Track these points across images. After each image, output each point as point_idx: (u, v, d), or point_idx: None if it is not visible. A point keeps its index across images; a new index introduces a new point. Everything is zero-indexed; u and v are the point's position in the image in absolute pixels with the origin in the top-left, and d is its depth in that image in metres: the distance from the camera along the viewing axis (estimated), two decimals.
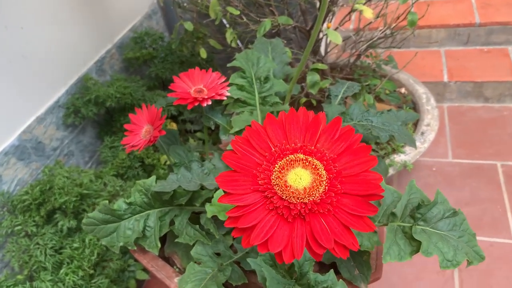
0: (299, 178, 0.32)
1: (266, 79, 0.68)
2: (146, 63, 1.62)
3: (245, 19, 0.97)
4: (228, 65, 0.70)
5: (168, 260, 0.65)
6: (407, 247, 0.46)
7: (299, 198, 0.32)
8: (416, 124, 1.34)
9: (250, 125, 0.66)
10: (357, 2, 0.96)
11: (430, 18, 1.85)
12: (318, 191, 0.32)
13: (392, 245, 0.47)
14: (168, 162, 1.41)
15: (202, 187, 0.56)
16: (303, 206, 0.31)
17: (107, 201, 0.56)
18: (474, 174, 1.48)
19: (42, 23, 1.24)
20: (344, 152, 0.34)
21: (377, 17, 1.10)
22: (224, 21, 1.30)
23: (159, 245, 0.57)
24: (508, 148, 1.54)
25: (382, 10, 1.17)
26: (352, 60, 1.34)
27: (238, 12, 0.92)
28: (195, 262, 0.55)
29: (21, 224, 1.02)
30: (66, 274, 0.95)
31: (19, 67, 1.17)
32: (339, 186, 0.32)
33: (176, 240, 0.57)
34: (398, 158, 1.22)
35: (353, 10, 1.17)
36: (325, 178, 0.32)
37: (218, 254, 0.57)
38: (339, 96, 0.76)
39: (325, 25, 1.23)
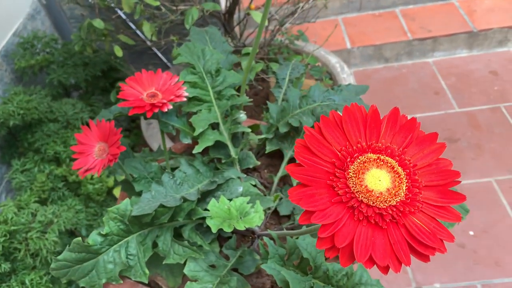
0: (378, 180, 0.30)
1: (217, 71, 0.64)
2: (43, 70, 1.44)
3: (163, 10, 0.90)
4: (174, 62, 0.65)
5: (150, 284, 0.59)
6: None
7: (386, 202, 0.30)
8: None
9: (211, 124, 0.63)
10: None
11: None
12: (402, 189, 0.30)
13: None
14: (94, 176, 1.29)
15: (184, 199, 0.52)
16: (394, 209, 0.30)
17: (79, 239, 0.48)
18: None
19: None
20: (410, 144, 0.33)
21: None
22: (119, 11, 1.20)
23: (147, 272, 0.51)
24: (413, 102, 1.70)
25: None
26: (268, 39, 1.33)
27: (158, 3, 0.85)
28: (192, 281, 0.50)
29: None
30: None
31: None
32: (419, 180, 0.31)
33: (164, 262, 0.52)
34: None
35: None
36: (404, 175, 0.31)
37: (212, 266, 0.54)
38: (287, 79, 0.75)
39: (239, 6, 1.21)
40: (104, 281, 0.50)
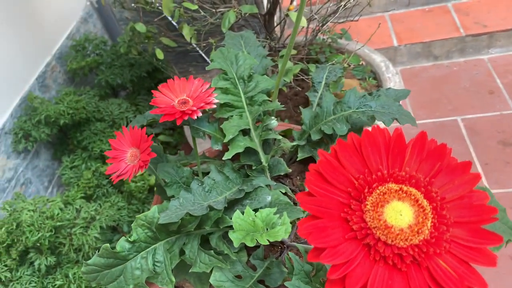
0: (399, 214, 0.26)
1: (250, 77, 0.63)
2: (93, 71, 1.50)
3: (202, 13, 0.91)
4: (207, 68, 0.65)
5: None
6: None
7: (408, 240, 0.26)
8: None
9: (243, 130, 0.62)
10: None
11: None
12: (426, 226, 0.27)
13: None
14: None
15: (210, 208, 0.52)
16: (416, 249, 0.26)
17: (108, 245, 0.50)
18: (438, 132, 1.53)
19: None
20: (439, 173, 0.29)
21: None
22: (170, 19, 1.22)
23: (173, 279, 0.52)
24: (465, 102, 1.60)
25: None
26: (309, 38, 1.31)
27: (196, 7, 0.86)
28: None
29: None
30: None
31: None
32: (447, 216, 0.27)
33: (191, 270, 0.52)
34: None
35: None
36: (429, 209, 0.27)
37: (238, 277, 0.53)
38: (323, 83, 0.73)
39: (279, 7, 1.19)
40: (131, 287, 0.51)
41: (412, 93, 1.75)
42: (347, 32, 1.52)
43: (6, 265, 0.93)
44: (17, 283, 0.91)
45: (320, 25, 1.23)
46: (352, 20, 1.24)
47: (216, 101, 0.57)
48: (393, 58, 1.85)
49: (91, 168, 1.24)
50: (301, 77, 1.14)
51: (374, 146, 0.29)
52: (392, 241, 0.26)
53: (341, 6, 1.12)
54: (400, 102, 0.64)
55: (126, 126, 1.41)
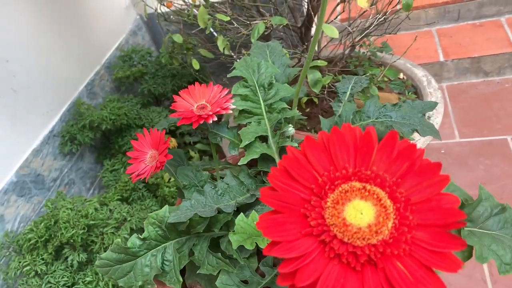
0: (360, 213, 0.26)
1: (270, 85, 0.64)
2: (137, 80, 1.57)
3: (235, 24, 0.93)
4: (229, 75, 0.66)
5: None
6: (458, 254, 0.42)
7: (365, 239, 0.25)
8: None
9: (261, 136, 0.63)
10: None
11: None
12: (387, 227, 0.26)
13: None
14: (171, 180, 1.36)
15: (219, 211, 0.52)
16: (372, 249, 0.25)
17: (119, 240, 0.52)
18: (485, 151, 1.45)
19: (27, 54, 1.20)
20: (408, 173, 0.28)
21: (372, 4, 1.06)
22: (212, 29, 1.27)
23: (181, 279, 0.53)
24: None
25: None
26: (347, 51, 1.30)
27: (228, 18, 0.89)
28: None
29: (29, 263, 0.98)
30: None
31: (10, 101, 1.13)
32: (410, 217, 0.26)
33: (198, 272, 0.53)
34: None
35: (342, 0, 1.13)
36: (392, 210, 0.26)
37: (245, 282, 0.53)
38: (348, 93, 0.72)
39: (316, 19, 1.20)
40: (140, 283, 0.52)
41: (458, 110, 1.69)
42: (388, 46, 1.49)
43: (43, 259, 0.99)
44: (51, 277, 0.96)
45: (357, 38, 1.22)
46: (390, 33, 1.22)
47: (233, 106, 0.58)
48: (439, 73, 1.79)
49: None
50: (332, 90, 1.14)
51: (343, 144, 0.28)
52: (348, 239, 0.25)
53: (378, 18, 1.10)
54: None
55: (165, 134, 1.45)
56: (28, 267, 0.98)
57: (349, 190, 0.27)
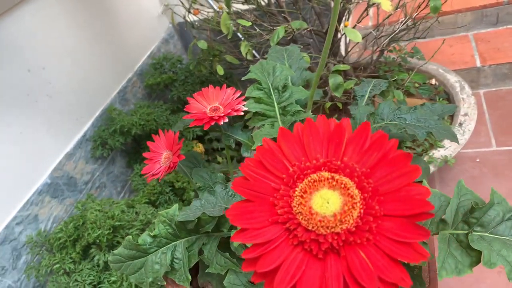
0: (326, 202, 0.26)
1: (284, 87, 0.64)
2: (168, 87, 1.61)
3: (258, 30, 0.94)
4: (243, 78, 0.67)
5: None
6: (465, 259, 0.40)
7: (329, 228, 0.25)
8: (452, 116, 1.26)
9: (273, 138, 0.63)
10: None
11: (454, 2, 1.77)
12: (352, 216, 0.26)
13: (447, 257, 0.41)
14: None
15: None
16: (335, 238, 0.25)
17: (130, 237, 0.53)
18: None
19: (62, 62, 1.26)
20: (378, 164, 0.28)
21: (396, 8, 1.04)
22: (239, 34, 1.28)
23: (190, 277, 0.53)
24: None
25: (401, 1, 1.12)
26: (375, 57, 1.28)
27: (250, 24, 0.90)
28: None
29: (59, 262, 1.02)
30: None
31: (45, 107, 1.18)
32: (377, 208, 0.26)
33: (207, 271, 0.53)
34: (438, 153, 1.14)
35: (370, 5, 1.12)
36: (359, 199, 0.26)
37: (253, 282, 0.53)
38: (366, 96, 0.71)
39: (342, 24, 1.19)
40: (150, 279, 0.53)
41: (495, 118, 1.62)
42: (419, 51, 1.45)
43: (71, 258, 1.02)
44: (78, 275, 0.99)
45: (385, 43, 1.20)
46: (418, 38, 1.19)
47: (244, 108, 0.59)
48: (476, 79, 1.72)
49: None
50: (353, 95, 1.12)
51: (316, 135, 0.28)
52: (312, 227, 0.25)
53: (404, 23, 1.08)
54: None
55: (192, 139, 1.47)
56: (57, 265, 1.02)
57: (318, 180, 0.26)
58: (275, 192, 0.27)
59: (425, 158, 1.13)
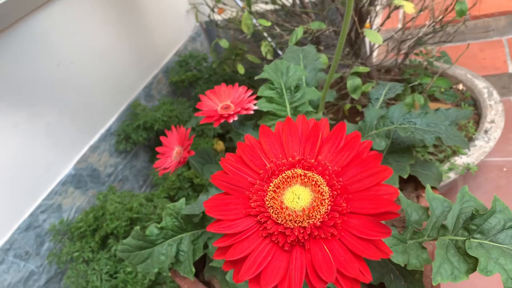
0: (297, 197, 0.27)
1: (297, 88, 0.65)
2: (192, 85, 1.64)
3: (278, 30, 0.95)
4: (256, 77, 0.68)
5: (209, 285, 0.63)
6: (462, 265, 0.39)
7: (297, 222, 0.26)
8: (478, 122, 1.22)
9: None
10: None
11: (486, 6, 1.72)
12: (319, 212, 0.27)
13: (443, 263, 0.40)
14: None
15: None
16: (302, 231, 0.26)
17: (138, 227, 0.55)
18: None
19: (90, 57, 1.30)
20: (351, 164, 0.28)
21: (420, 11, 1.02)
22: (265, 34, 1.29)
23: (194, 270, 0.55)
24: None
25: (428, 3, 1.10)
26: (399, 59, 1.26)
27: (269, 24, 0.90)
28: None
29: (78, 250, 1.06)
30: None
31: (72, 100, 1.23)
32: (344, 205, 0.27)
33: (210, 264, 0.55)
34: (460, 160, 1.11)
35: (394, 8, 1.10)
36: (328, 196, 0.27)
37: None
38: (380, 99, 0.70)
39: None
40: (156, 270, 0.55)
41: None
42: (447, 55, 1.42)
43: (90, 247, 1.06)
44: (96, 264, 1.03)
45: (405, 46, 1.18)
46: (444, 42, 1.16)
47: (255, 108, 0.59)
48: (507, 85, 1.67)
49: (176, 171, 1.34)
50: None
51: (295, 134, 0.28)
52: (281, 220, 0.26)
53: (429, 25, 1.06)
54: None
55: (213, 137, 1.50)
56: (77, 254, 1.05)
57: (291, 176, 0.27)
58: (251, 187, 0.28)
59: (446, 165, 1.11)
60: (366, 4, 1.04)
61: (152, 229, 0.56)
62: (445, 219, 0.45)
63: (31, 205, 1.10)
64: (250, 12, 0.92)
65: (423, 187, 0.63)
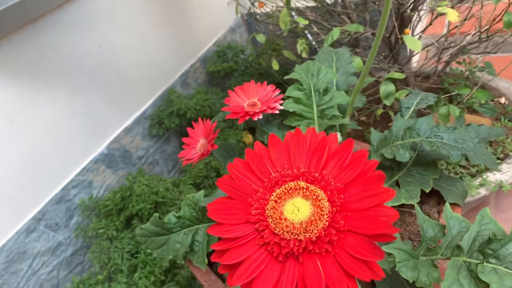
0: (297, 209, 0.27)
1: (326, 90, 0.64)
2: (227, 76, 1.66)
3: (315, 29, 0.94)
4: (286, 77, 0.68)
5: (221, 276, 0.64)
6: None
7: (294, 234, 0.27)
8: None
9: None
10: (440, 5, 0.87)
11: None
12: (317, 226, 0.27)
13: (453, 284, 0.40)
14: None
15: None
16: (297, 244, 0.26)
17: (157, 214, 0.57)
18: None
19: (132, 41, 1.34)
20: (354, 182, 0.28)
21: (465, 20, 0.99)
22: (303, 32, 1.28)
23: (206, 261, 0.56)
24: None
25: (475, 12, 1.05)
26: (440, 67, 1.22)
27: (307, 22, 0.90)
28: None
29: (103, 227, 1.10)
30: (140, 278, 1.00)
31: (112, 82, 1.27)
32: (342, 222, 0.27)
33: None
34: (493, 177, 1.07)
35: (438, 15, 1.07)
36: (327, 212, 0.27)
37: None
38: (411, 109, 0.69)
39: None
40: (170, 257, 0.57)
41: None
42: (492, 66, 1.36)
43: (115, 225, 1.10)
44: (119, 242, 1.07)
45: (453, 54, 1.14)
46: (489, 53, 1.12)
47: (280, 107, 0.60)
48: None
49: (204, 160, 1.37)
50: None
51: (303, 146, 0.29)
52: (279, 231, 0.26)
53: (474, 35, 1.02)
54: None
55: (243, 129, 1.51)
56: (102, 230, 1.10)
57: (294, 188, 0.28)
58: (254, 194, 0.28)
59: (478, 181, 1.07)
60: (409, 9, 1.02)
61: (170, 217, 0.58)
62: (461, 239, 0.44)
63: (64, 179, 1.16)
64: (289, 9, 0.92)
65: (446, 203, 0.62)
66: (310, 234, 0.27)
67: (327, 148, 0.29)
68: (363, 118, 1.34)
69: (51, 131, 1.10)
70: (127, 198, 1.12)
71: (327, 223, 0.27)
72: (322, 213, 0.28)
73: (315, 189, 0.28)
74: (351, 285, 0.25)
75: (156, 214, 0.57)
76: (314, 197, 0.28)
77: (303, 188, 0.28)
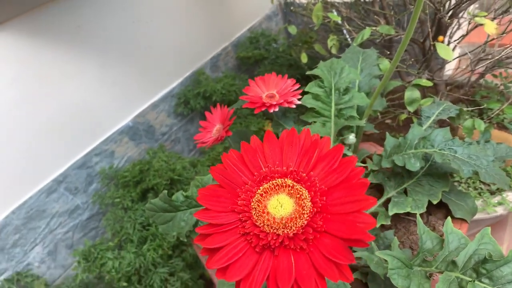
0: (280, 205, 0.28)
1: (346, 90, 0.65)
2: (257, 63, 1.66)
3: (347, 26, 0.93)
4: (307, 73, 0.68)
5: None
6: None
7: (273, 228, 0.28)
8: None
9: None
10: (478, 15, 0.85)
11: None
12: (296, 224, 0.28)
13: None
14: None
15: None
16: (275, 238, 0.28)
17: (166, 191, 0.59)
18: None
19: (167, 19, 1.36)
20: (338, 186, 0.29)
21: (503, 33, 0.96)
22: (337, 27, 1.27)
23: None
24: None
25: None
26: (473, 78, 1.19)
27: (339, 19, 0.89)
28: None
29: (120, 197, 1.14)
30: (148, 250, 1.04)
31: (142, 57, 1.30)
32: (320, 223, 0.28)
33: None
34: None
35: (475, 26, 1.04)
36: (308, 211, 0.28)
37: None
38: (431, 118, 0.68)
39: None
40: (174, 233, 0.59)
41: None
42: None
43: (131, 196, 1.14)
44: (132, 213, 1.11)
45: (489, 67, 1.11)
46: None
47: (297, 102, 0.60)
48: None
49: (224, 144, 1.39)
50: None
51: (295, 146, 0.30)
52: (260, 223, 0.27)
53: (508, 47, 0.99)
54: None
55: (266, 118, 1.51)
56: (118, 200, 1.14)
57: (281, 185, 0.29)
58: (243, 185, 0.30)
59: (496, 199, 1.05)
60: (448, 16, 0.99)
61: (179, 196, 0.60)
62: (456, 255, 0.44)
63: (88, 146, 1.20)
64: (324, 3, 0.92)
65: (454, 217, 0.62)
66: (288, 230, 0.28)
67: (317, 150, 0.30)
68: (388, 121, 1.33)
69: (81, 99, 1.14)
70: (145, 172, 1.15)
71: (306, 222, 0.29)
72: (303, 212, 0.29)
73: (301, 188, 0.29)
74: (319, 282, 0.26)
75: (165, 191, 0.59)
76: (298, 195, 0.29)
77: (289, 186, 0.30)
